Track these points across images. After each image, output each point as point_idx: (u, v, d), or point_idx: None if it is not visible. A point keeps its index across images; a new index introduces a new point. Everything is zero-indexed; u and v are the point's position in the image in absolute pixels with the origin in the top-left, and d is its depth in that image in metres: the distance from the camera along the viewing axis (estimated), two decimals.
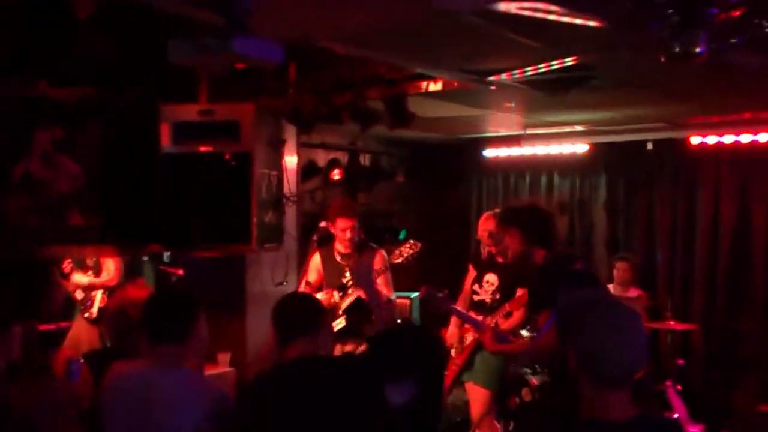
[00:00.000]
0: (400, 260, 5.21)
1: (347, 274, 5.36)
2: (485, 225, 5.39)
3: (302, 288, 5.54)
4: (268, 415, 1.99)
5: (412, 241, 5.25)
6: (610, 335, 2.09)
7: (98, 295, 5.93)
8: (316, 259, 5.55)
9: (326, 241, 5.56)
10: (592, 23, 3.23)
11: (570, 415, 2.32)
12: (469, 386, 5.31)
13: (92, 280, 5.95)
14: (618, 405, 2.13)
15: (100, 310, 5.78)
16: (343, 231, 5.29)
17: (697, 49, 2.82)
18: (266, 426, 2.00)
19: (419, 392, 1.74)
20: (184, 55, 3.08)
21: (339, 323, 5.23)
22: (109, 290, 5.75)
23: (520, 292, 5.07)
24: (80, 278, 5.96)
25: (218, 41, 2.90)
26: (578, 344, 2.11)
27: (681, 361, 6.58)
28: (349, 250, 5.37)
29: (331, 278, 5.40)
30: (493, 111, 6.14)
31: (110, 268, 5.83)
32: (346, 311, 5.23)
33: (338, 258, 5.42)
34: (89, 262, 5.98)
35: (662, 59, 2.91)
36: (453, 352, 5.39)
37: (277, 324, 2.67)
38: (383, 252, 5.45)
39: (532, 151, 7.92)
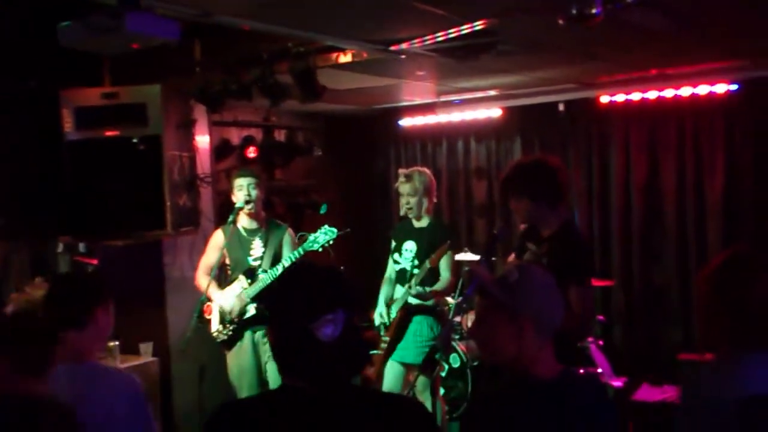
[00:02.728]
0: (315, 248, 5.09)
1: (253, 251, 5.25)
2: (400, 190, 5.32)
3: (200, 272, 5.37)
4: None
5: (326, 227, 5.11)
6: (552, 292, 2.23)
7: None
8: (218, 237, 5.35)
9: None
10: None
11: (494, 374, 2.35)
12: (390, 364, 5.29)
13: None
14: (547, 360, 2.20)
15: None
16: (240, 189, 5.15)
17: (593, 10, 2.85)
18: None
19: (348, 323, 1.77)
20: (77, 37, 2.96)
21: (248, 311, 5.14)
22: None
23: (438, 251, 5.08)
24: None
25: (109, 20, 2.78)
26: (531, 305, 2.18)
27: (602, 317, 6.73)
28: (256, 224, 5.26)
29: (236, 255, 5.25)
30: (405, 80, 6.11)
31: None
32: (256, 298, 5.10)
33: (243, 233, 5.29)
34: None
35: (560, 21, 2.93)
36: (376, 320, 5.39)
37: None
38: (291, 231, 5.38)
39: (448, 118, 7.96)
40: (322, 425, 1.76)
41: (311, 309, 1.76)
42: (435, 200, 5.38)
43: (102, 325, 2.74)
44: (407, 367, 5.21)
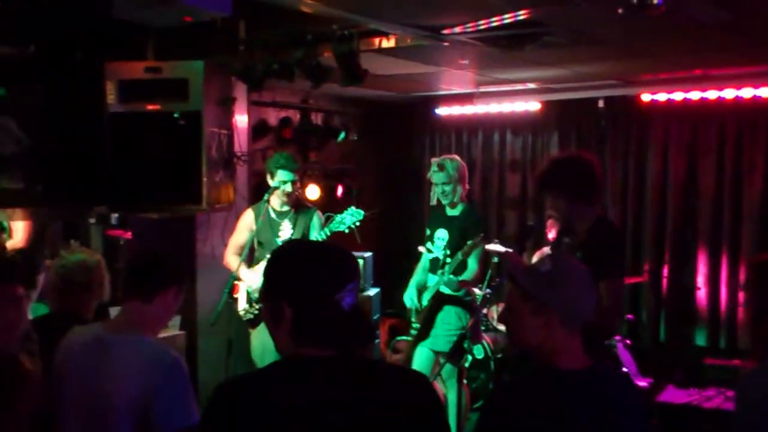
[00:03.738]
0: (342, 228, 5.09)
1: (282, 233, 5.27)
2: (434, 179, 5.30)
3: (228, 251, 5.41)
4: None
5: (352, 209, 5.11)
6: (583, 283, 2.21)
7: None
8: (248, 216, 5.39)
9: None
10: None
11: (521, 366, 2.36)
12: (424, 350, 5.29)
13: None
14: (575, 353, 2.18)
15: None
16: (283, 183, 5.17)
17: (655, 1, 2.79)
18: None
19: (358, 289, 1.89)
20: (130, 8, 2.97)
21: None
22: (20, 253, 5.41)
23: (470, 242, 5.07)
24: None
25: None
26: (561, 297, 2.16)
27: (630, 316, 6.69)
28: (286, 207, 5.28)
29: (265, 236, 5.27)
30: (446, 68, 6.08)
31: (19, 230, 5.50)
32: None
33: (273, 215, 5.31)
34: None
35: (619, 11, 2.88)
36: (414, 314, 5.39)
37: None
38: (320, 213, 5.38)
39: (485, 110, 7.91)
40: (340, 390, 1.82)
41: (338, 280, 1.85)
42: (468, 187, 5.36)
43: (168, 306, 2.77)
44: (435, 354, 5.22)
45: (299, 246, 2.18)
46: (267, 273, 1.94)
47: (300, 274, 1.87)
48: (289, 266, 1.91)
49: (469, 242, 5.01)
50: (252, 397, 1.81)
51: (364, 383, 1.86)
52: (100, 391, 2.58)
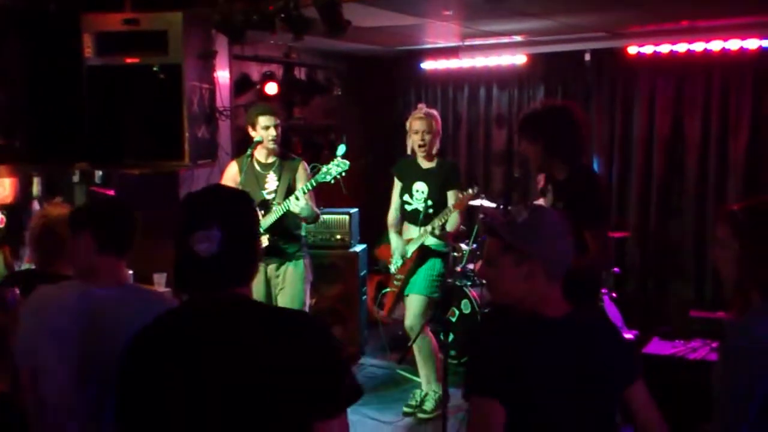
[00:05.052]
0: (328, 179, 5.08)
1: (267, 185, 5.23)
2: (416, 125, 5.28)
3: None
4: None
5: (339, 158, 5.08)
6: (561, 235, 2.22)
7: None
8: (232, 169, 5.34)
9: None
10: None
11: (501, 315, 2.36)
12: (409, 298, 5.35)
13: None
14: (555, 300, 2.20)
15: None
16: (266, 129, 5.13)
17: None
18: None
19: (226, 239, 1.88)
20: None
21: (262, 242, 5.13)
22: (6, 210, 5.34)
23: (450, 194, 5.19)
24: None
25: None
26: (541, 246, 2.16)
27: (616, 269, 6.71)
28: (271, 158, 5.24)
29: (250, 189, 5.16)
30: (430, 20, 6.00)
31: (5, 186, 5.41)
32: (269, 230, 5.10)
33: (258, 167, 5.27)
34: None
35: None
36: (392, 267, 5.41)
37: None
38: (305, 164, 5.34)
39: (471, 63, 7.84)
40: (206, 333, 1.87)
41: (188, 224, 1.89)
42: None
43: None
44: (425, 298, 5.29)
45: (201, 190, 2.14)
46: None
47: (176, 217, 1.96)
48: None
49: (460, 195, 5.04)
50: (145, 347, 1.93)
51: (236, 326, 1.87)
52: (95, 345, 2.55)
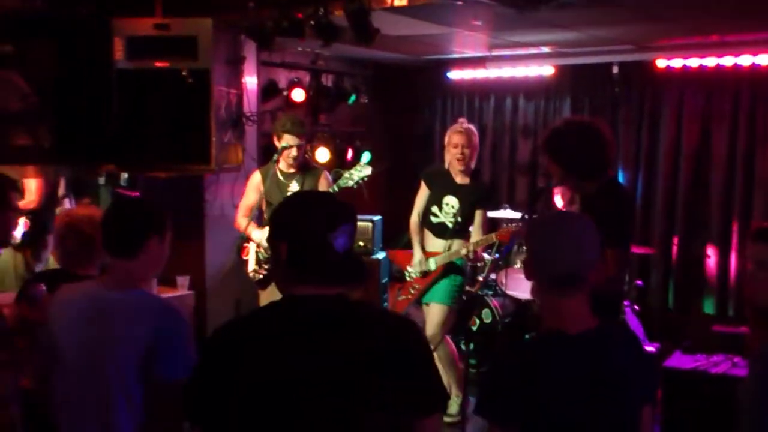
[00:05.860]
0: (350, 184, 5.08)
1: (290, 192, 5.24)
2: (455, 139, 5.27)
3: (239, 213, 5.38)
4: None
5: (362, 164, 5.09)
6: (557, 236, 2.15)
7: (20, 220, 5.52)
8: (256, 178, 5.36)
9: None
10: None
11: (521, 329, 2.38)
12: (430, 308, 5.32)
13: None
14: (576, 314, 2.13)
15: (23, 234, 5.40)
16: (288, 148, 5.15)
17: None
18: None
19: (353, 236, 2.00)
20: None
21: None
22: (31, 214, 5.38)
23: (477, 213, 5.19)
24: None
25: None
26: (532, 247, 2.20)
27: (640, 282, 6.67)
28: (293, 169, 5.26)
29: (273, 197, 5.21)
30: (458, 29, 6.00)
31: (32, 190, 5.46)
32: None
33: (280, 176, 5.28)
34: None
35: None
36: (411, 275, 5.38)
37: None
38: (327, 173, 5.36)
39: (497, 74, 7.83)
40: (324, 329, 1.91)
41: (330, 221, 1.94)
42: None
43: (154, 256, 2.68)
44: (445, 307, 5.25)
45: (302, 195, 2.28)
46: (271, 219, 2.05)
47: (296, 215, 1.99)
48: (289, 210, 2.03)
49: (506, 226, 5.19)
50: (242, 337, 1.94)
51: (350, 323, 1.94)
52: (101, 348, 2.56)
